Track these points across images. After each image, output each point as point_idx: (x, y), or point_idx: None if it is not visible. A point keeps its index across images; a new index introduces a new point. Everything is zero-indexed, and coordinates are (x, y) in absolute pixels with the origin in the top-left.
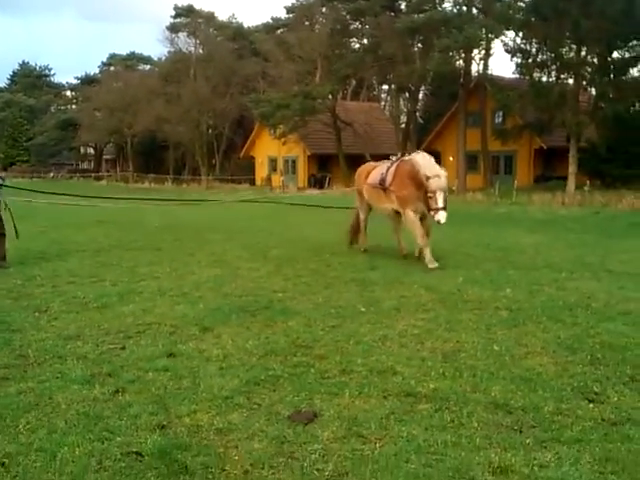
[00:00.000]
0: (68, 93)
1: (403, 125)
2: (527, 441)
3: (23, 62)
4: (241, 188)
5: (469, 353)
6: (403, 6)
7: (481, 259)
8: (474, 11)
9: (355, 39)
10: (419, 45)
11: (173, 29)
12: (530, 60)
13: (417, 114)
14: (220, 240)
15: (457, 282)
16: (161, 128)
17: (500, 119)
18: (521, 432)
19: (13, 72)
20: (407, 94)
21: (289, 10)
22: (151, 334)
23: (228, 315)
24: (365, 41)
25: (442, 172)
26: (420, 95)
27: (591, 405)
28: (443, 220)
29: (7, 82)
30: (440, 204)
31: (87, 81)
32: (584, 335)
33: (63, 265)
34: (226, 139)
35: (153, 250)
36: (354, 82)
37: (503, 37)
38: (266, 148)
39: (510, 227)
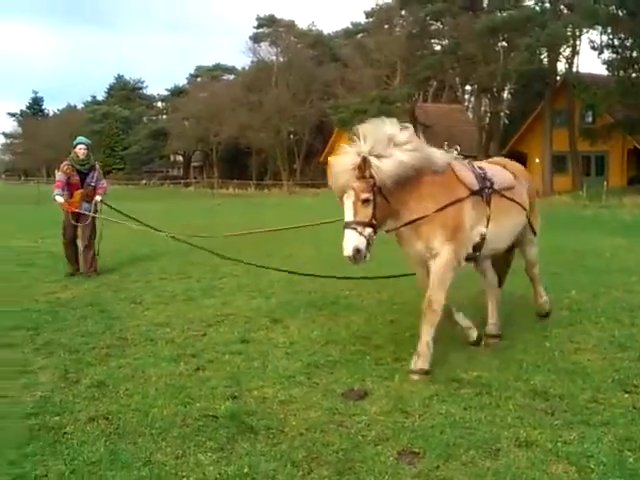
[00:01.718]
0: (159, 104)
1: (486, 126)
2: (556, 422)
3: (118, 76)
4: (322, 192)
5: (519, 348)
6: (485, 4)
7: (552, 262)
8: (558, 7)
9: (435, 41)
10: (501, 44)
11: (255, 39)
12: (618, 56)
13: (501, 115)
14: (296, 241)
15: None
16: (244, 135)
17: (590, 118)
18: (552, 415)
19: (109, 86)
20: (490, 94)
21: (368, 15)
22: (228, 323)
23: (297, 309)
24: (445, 42)
25: None
26: (504, 95)
27: (626, 395)
28: None
29: (104, 95)
30: None
31: (176, 92)
32: (639, 335)
33: (154, 264)
34: (306, 144)
35: (234, 251)
36: (435, 84)
37: (590, 34)
38: None
39: (593, 230)
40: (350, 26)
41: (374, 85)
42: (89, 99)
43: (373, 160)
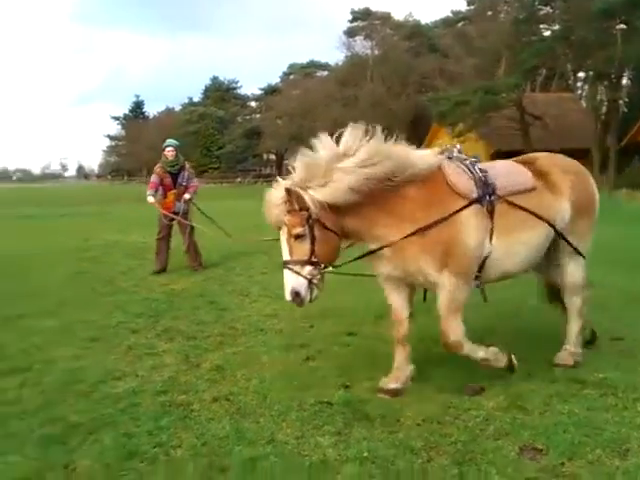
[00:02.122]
0: (253, 103)
1: (602, 116)
2: None
3: (214, 77)
4: None
5: None
6: None
7: None
8: None
9: (544, 26)
10: (618, 27)
11: (350, 33)
12: None
13: (619, 103)
14: None
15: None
16: (338, 131)
17: None
18: None
19: (205, 87)
20: (607, 81)
21: (470, 2)
22: (334, 317)
23: None
24: (555, 27)
25: None
26: (623, 82)
27: None
28: None
29: (200, 97)
30: None
31: (270, 91)
32: None
33: (256, 259)
34: (401, 140)
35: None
36: (544, 72)
37: None
38: None
39: None
40: (450, 14)
41: (476, 75)
42: (186, 101)
43: (303, 190)
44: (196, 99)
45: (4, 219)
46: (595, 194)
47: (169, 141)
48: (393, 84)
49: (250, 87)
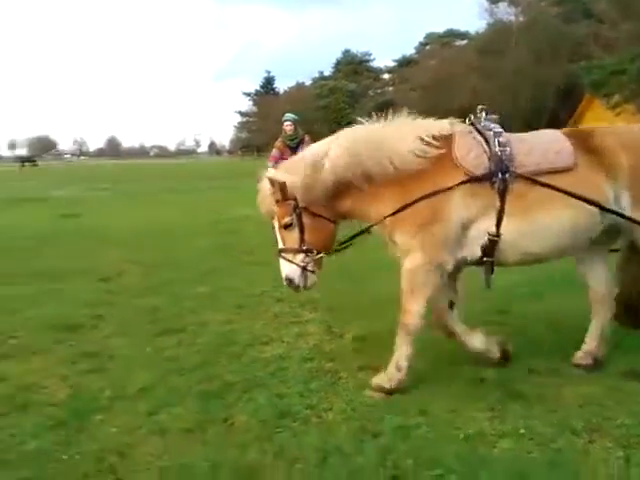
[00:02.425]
0: (385, 76)
1: None
2: None
3: (345, 50)
4: None
5: None
6: None
7: None
8: None
9: None
10: None
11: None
12: None
13: None
14: None
15: None
16: (476, 103)
17: None
18: None
19: (337, 61)
20: None
21: None
22: (485, 296)
23: (559, 283)
24: None
25: None
26: None
27: None
28: None
29: (332, 71)
30: None
31: (404, 63)
32: None
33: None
34: (548, 112)
35: None
36: None
37: None
38: (598, 120)
39: None
40: None
41: (634, 42)
42: (317, 75)
43: (288, 178)
44: (327, 73)
45: (147, 194)
46: None
47: (287, 115)
48: (541, 52)
49: (383, 59)
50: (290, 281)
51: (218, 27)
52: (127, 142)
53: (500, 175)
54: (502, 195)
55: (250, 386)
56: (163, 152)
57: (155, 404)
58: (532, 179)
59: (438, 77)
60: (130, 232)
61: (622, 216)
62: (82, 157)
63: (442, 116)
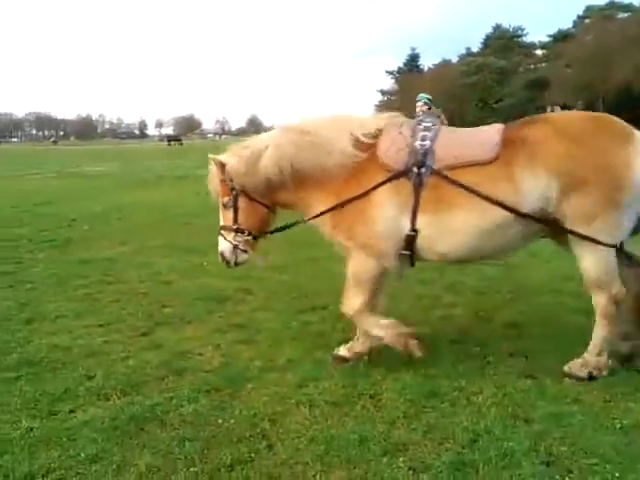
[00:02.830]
0: (538, 52)
1: None
2: None
3: (496, 25)
4: None
5: None
6: None
7: None
8: None
9: None
10: None
11: None
12: None
13: None
14: None
15: None
16: (638, 80)
17: None
18: None
19: (486, 36)
20: None
21: None
22: None
23: None
24: None
25: None
26: None
27: None
28: None
29: (480, 47)
30: None
31: (560, 37)
32: None
33: None
34: None
35: None
36: None
37: None
38: None
39: None
40: None
41: None
42: (464, 52)
43: (228, 160)
44: (474, 49)
45: None
46: (614, 164)
47: (420, 95)
48: None
49: (536, 34)
50: (222, 256)
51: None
52: (268, 121)
53: (416, 169)
54: (417, 190)
55: (396, 365)
56: None
57: (303, 377)
58: (441, 174)
59: (596, 52)
60: None
61: (520, 215)
62: (224, 136)
63: (596, 93)
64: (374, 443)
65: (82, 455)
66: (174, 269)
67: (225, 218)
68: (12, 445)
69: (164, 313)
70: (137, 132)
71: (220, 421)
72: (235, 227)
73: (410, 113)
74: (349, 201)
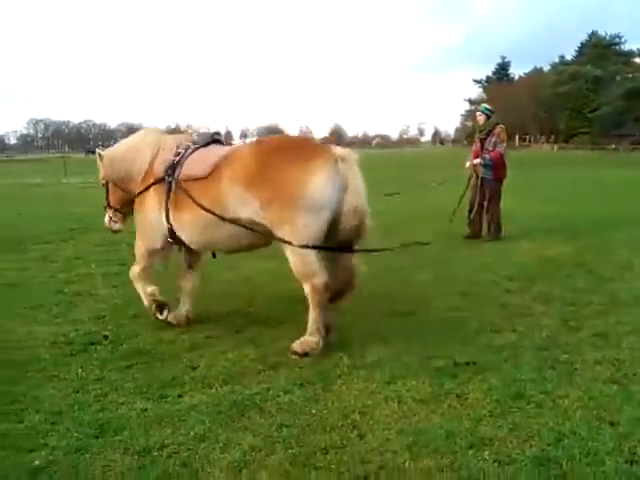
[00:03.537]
0: (637, 60)
1: None
2: None
3: (592, 32)
4: None
5: None
6: None
7: None
8: None
9: None
10: None
11: None
12: None
13: None
14: None
15: None
16: None
17: None
18: None
19: (581, 44)
20: None
21: None
22: None
23: None
24: None
25: None
26: None
27: None
28: None
29: (574, 54)
30: None
31: None
32: None
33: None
34: None
35: None
36: None
37: None
38: None
39: None
40: None
41: None
42: (556, 60)
43: (103, 154)
44: (569, 57)
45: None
46: (304, 180)
47: (480, 106)
48: None
49: (635, 42)
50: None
51: (449, 11)
52: (351, 131)
53: (167, 178)
54: (167, 193)
55: (482, 369)
56: (385, 141)
57: (391, 375)
58: (179, 183)
59: None
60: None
61: (225, 219)
62: None
63: None
64: (460, 437)
65: (191, 434)
66: (261, 273)
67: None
68: (129, 423)
69: (255, 313)
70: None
71: (314, 411)
72: (106, 205)
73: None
74: (136, 196)
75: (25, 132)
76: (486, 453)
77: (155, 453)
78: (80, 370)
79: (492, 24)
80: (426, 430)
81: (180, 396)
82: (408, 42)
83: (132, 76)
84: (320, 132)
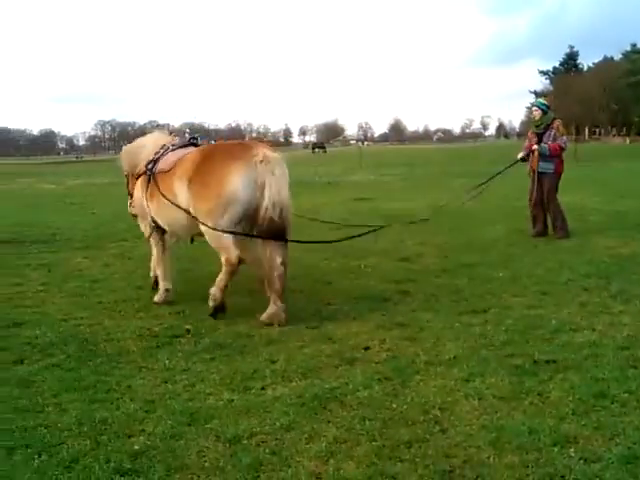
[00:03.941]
0: None
1: None
2: None
3: None
4: None
5: None
6: None
7: None
8: None
9: None
10: None
11: None
12: None
13: None
14: None
15: None
16: None
17: None
18: None
19: None
20: None
21: None
22: None
23: None
24: None
25: None
26: None
27: None
28: None
29: None
30: None
31: None
32: None
33: None
34: None
35: None
36: None
37: None
38: None
39: None
40: None
41: None
42: (628, 48)
43: (124, 149)
44: None
45: (431, 178)
46: (223, 179)
47: (536, 100)
48: None
49: None
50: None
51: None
52: (412, 126)
53: (147, 172)
54: (148, 184)
55: (563, 367)
56: (447, 136)
57: (469, 372)
58: (154, 176)
59: None
60: (418, 216)
61: (180, 208)
62: (367, 143)
63: None
64: (544, 435)
65: (277, 424)
66: (334, 270)
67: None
68: (218, 412)
69: (329, 310)
70: (282, 139)
71: (394, 406)
72: (128, 192)
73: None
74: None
75: (93, 133)
76: (571, 450)
77: (245, 441)
78: (167, 361)
79: (559, 12)
80: (508, 427)
81: (263, 388)
82: (471, 34)
83: (194, 77)
84: (380, 127)
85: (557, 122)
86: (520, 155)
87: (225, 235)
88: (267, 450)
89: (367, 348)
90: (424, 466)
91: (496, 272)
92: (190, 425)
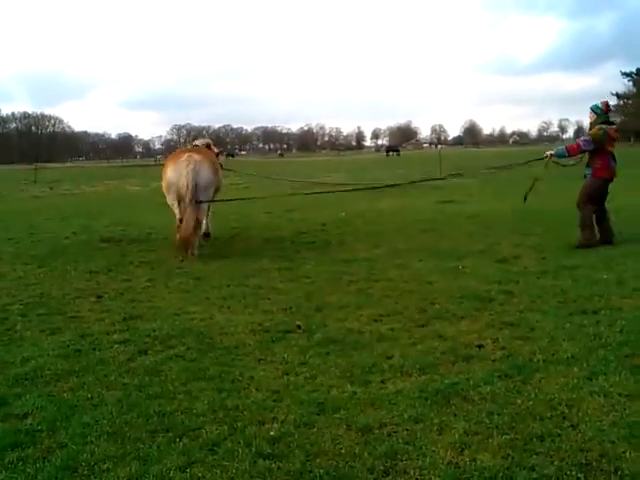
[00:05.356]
0: None
1: None
2: None
3: None
4: None
5: None
6: None
7: None
8: None
9: None
10: None
11: None
12: None
13: None
14: None
15: None
16: None
17: None
18: None
19: None
20: None
21: None
22: None
23: None
24: None
25: None
26: None
27: None
28: None
29: None
30: None
31: None
32: None
33: None
34: None
35: None
36: None
37: None
38: None
39: None
40: None
41: None
42: None
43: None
44: None
45: (510, 181)
46: (166, 172)
47: (593, 105)
48: None
49: None
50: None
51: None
52: (487, 128)
53: None
54: None
55: None
56: (523, 139)
57: (589, 370)
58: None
59: None
60: (507, 218)
61: None
62: (440, 146)
63: None
64: None
65: (405, 416)
66: (433, 271)
67: None
68: (344, 403)
69: (435, 309)
70: (354, 143)
71: (519, 402)
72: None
73: None
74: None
75: (169, 137)
76: None
77: (376, 431)
78: (285, 355)
79: None
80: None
81: (383, 382)
82: (548, 36)
83: (268, 80)
84: (453, 130)
85: (614, 126)
86: (548, 152)
87: (175, 207)
88: (400, 440)
89: (481, 346)
90: (560, 459)
91: (600, 274)
92: (319, 415)
